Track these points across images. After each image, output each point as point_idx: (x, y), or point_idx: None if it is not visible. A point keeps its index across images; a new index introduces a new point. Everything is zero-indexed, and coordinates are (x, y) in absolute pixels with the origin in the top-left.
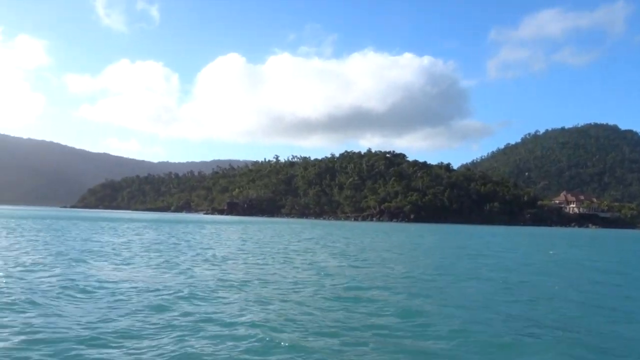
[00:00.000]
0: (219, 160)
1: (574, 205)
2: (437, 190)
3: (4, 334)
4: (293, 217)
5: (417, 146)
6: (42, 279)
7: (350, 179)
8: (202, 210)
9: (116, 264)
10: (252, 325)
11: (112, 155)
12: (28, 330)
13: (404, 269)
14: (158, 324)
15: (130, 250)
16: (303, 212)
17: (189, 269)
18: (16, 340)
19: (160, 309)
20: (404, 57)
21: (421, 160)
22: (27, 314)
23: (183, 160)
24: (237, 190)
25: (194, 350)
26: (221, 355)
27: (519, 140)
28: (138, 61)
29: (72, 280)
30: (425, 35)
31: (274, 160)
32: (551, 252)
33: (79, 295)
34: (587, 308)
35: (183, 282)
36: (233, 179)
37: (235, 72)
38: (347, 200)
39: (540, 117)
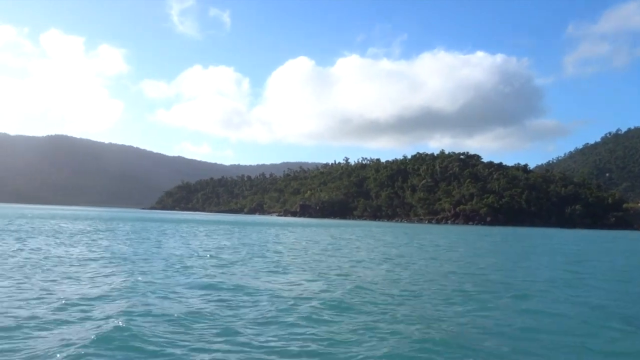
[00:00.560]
0: (288, 163)
1: None
2: (515, 193)
3: None
4: (365, 219)
5: (489, 147)
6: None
7: (423, 181)
8: (274, 212)
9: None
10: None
11: (186, 159)
12: None
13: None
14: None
15: (290, 255)
16: (375, 215)
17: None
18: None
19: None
20: (475, 55)
21: (495, 161)
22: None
23: (253, 162)
24: (308, 192)
25: None
26: None
27: (598, 139)
28: (210, 66)
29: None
30: (498, 32)
31: (344, 162)
32: None
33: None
34: None
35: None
36: (304, 181)
37: (305, 75)
38: (420, 202)
39: (622, 114)
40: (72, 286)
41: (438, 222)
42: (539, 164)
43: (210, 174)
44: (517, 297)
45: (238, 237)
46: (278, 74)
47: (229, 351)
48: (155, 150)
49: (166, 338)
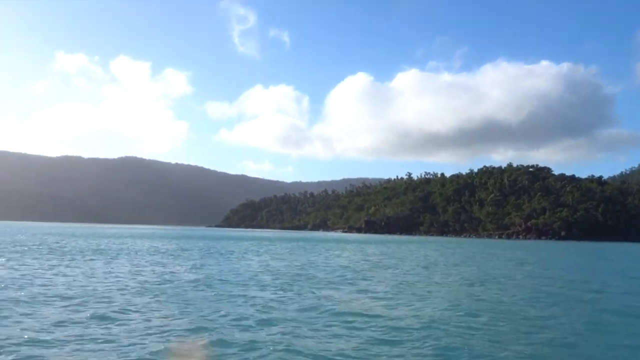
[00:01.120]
0: (348, 179)
1: None
2: (590, 206)
3: None
4: (432, 234)
5: (556, 159)
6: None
7: (492, 195)
8: (338, 229)
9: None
10: None
11: (249, 177)
12: None
13: None
14: None
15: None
16: (442, 230)
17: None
18: None
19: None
20: (540, 65)
21: (567, 173)
22: None
23: (314, 179)
24: (373, 208)
25: None
26: None
27: None
28: (271, 86)
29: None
30: (563, 40)
31: (407, 177)
32: None
33: None
34: None
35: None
36: (368, 197)
37: (363, 91)
38: (489, 217)
39: None
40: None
41: (508, 237)
42: (612, 175)
43: (272, 191)
44: None
45: (340, 255)
46: (337, 91)
47: None
48: (219, 169)
49: None
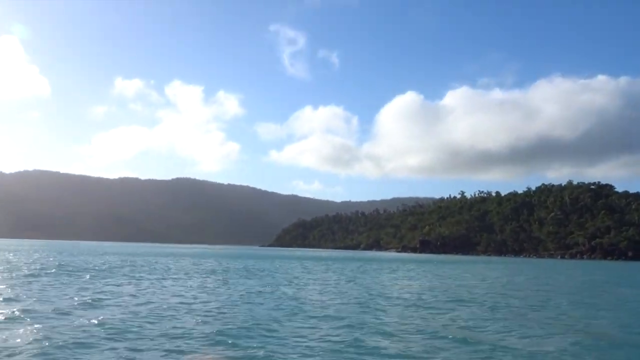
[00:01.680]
0: (399, 198)
1: None
2: None
3: None
4: (489, 254)
5: (614, 175)
6: None
7: (552, 214)
8: (391, 248)
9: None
10: None
11: (299, 197)
12: None
13: None
14: None
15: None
16: (500, 250)
17: None
18: None
19: None
20: (596, 79)
21: (629, 191)
22: None
23: (363, 198)
24: (427, 227)
25: None
26: None
27: None
28: (320, 107)
29: None
30: (622, 54)
31: (460, 195)
32: None
33: None
34: None
35: None
36: (421, 217)
37: (413, 110)
38: (550, 236)
39: None
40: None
41: (572, 257)
42: None
43: (322, 211)
44: None
45: (431, 277)
46: (386, 110)
47: None
48: (269, 190)
49: None
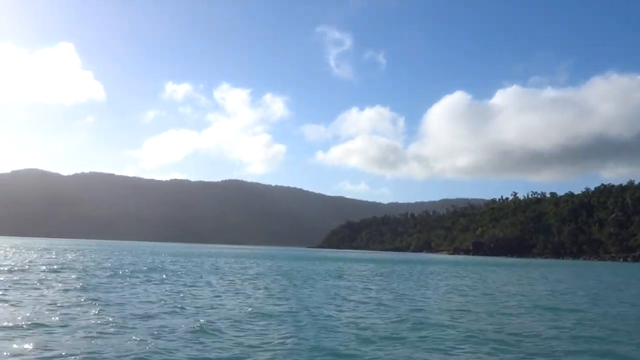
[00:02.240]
0: (448, 199)
1: None
2: None
3: None
4: (546, 257)
5: None
6: None
7: (613, 215)
8: (442, 250)
9: None
10: None
11: (346, 198)
12: None
13: None
14: None
15: None
16: (557, 252)
17: None
18: None
19: None
20: None
21: None
22: None
23: (410, 200)
24: (479, 229)
25: None
26: None
27: None
28: (366, 108)
29: None
30: None
31: (512, 197)
32: None
33: None
34: None
35: None
36: (473, 218)
37: (461, 110)
38: (611, 238)
39: None
40: None
41: (635, 259)
42: None
43: (369, 212)
44: None
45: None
46: (434, 111)
47: None
48: (316, 191)
49: None
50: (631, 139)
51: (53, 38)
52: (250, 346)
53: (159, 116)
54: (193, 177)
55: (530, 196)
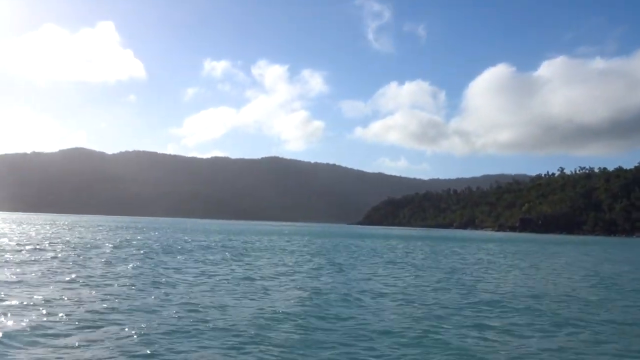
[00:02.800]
0: (490, 175)
1: None
2: None
3: None
4: (597, 234)
5: None
6: None
7: None
8: (487, 227)
9: None
10: None
11: (385, 174)
12: None
13: None
14: None
15: None
16: (609, 229)
17: None
18: None
19: None
20: None
21: None
22: None
23: (451, 176)
24: (526, 205)
25: None
26: None
27: None
28: (406, 82)
29: None
30: None
31: (558, 172)
32: None
33: None
34: None
35: None
36: (519, 194)
37: (505, 83)
38: None
39: None
40: None
41: None
42: None
43: (409, 188)
44: None
45: None
46: (476, 84)
47: None
48: (355, 167)
49: None
50: None
51: (93, 17)
52: None
53: (198, 93)
54: (233, 155)
55: (578, 172)
